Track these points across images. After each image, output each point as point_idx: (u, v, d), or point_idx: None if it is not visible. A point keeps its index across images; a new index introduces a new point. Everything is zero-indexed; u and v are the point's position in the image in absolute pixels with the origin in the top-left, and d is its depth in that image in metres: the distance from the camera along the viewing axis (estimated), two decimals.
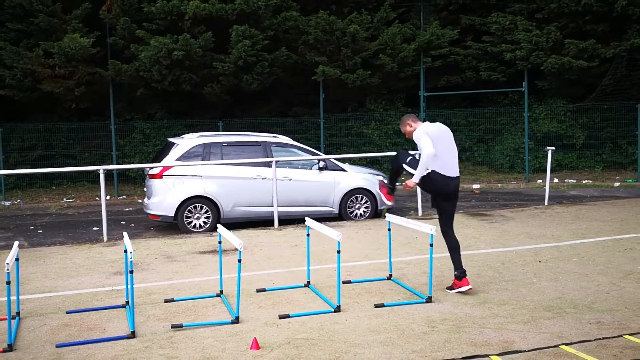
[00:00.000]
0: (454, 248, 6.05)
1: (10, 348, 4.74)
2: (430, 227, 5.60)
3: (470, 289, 5.96)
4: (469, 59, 18.20)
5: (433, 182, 5.95)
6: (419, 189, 11.37)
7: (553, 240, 8.61)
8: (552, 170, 12.83)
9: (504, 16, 17.44)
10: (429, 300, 5.77)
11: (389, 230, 6.66)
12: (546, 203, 12.15)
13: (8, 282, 4.79)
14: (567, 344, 4.61)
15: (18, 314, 5.50)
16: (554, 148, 12.36)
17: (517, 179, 17.27)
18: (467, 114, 18.59)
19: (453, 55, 18.09)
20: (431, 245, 5.73)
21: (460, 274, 5.97)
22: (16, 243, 5.43)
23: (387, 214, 6.61)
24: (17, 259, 5.35)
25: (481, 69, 18.05)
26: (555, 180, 16.33)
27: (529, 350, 4.51)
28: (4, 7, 15.25)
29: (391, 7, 17.70)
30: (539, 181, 16.53)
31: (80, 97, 15.98)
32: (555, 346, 4.59)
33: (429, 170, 5.88)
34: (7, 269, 4.73)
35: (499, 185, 16.62)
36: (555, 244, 8.35)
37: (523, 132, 17.49)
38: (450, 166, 5.94)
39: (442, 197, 6.07)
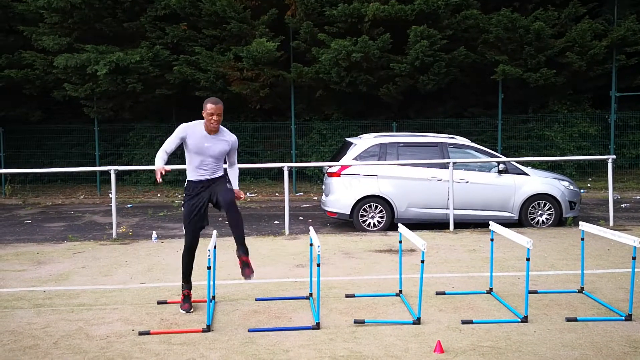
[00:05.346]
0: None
1: (208, 329, 5.14)
2: (634, 239, 5.10)
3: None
4: None
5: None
6: (610, 197, 10.49)
7: None
8: None
9: None
10: (628, 318, 5.27)
11: (582, 239, 6.18)
12: None
13: (209, 267, 5.21)
14: None
15: (214, 297, 5.96)
16: None
17: None
18: None
19: None
20: (633, 258, 5.21)
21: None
22: (215, 232, 5.88)
23: (580, 222, 6.15)
24: (214, 247, 5.79)
25: None
26: None
27: None
28: (202, 15, 16.66)
29: (581, 2, 16.51)
30: None
31: (265, 98, 16.98)
32: None
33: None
34: (209, 255, 5.14)
35: None
36: None
37: None
38: None
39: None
